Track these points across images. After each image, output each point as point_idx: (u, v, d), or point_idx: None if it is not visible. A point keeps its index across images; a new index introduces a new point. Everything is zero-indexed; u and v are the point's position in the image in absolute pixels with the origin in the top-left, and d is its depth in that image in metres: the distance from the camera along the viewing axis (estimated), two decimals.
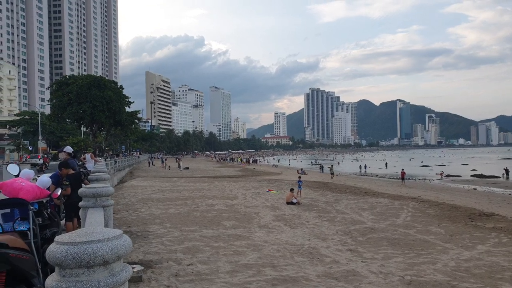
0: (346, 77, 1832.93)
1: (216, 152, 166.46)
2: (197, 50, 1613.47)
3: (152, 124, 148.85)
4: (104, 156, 55.13)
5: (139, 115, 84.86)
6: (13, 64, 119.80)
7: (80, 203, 5.32)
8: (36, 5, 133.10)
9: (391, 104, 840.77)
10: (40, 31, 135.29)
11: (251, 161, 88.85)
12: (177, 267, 7.80)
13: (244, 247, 9.63)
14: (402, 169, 40.92)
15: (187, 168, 54.39)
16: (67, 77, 67.18)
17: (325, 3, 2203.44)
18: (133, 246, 9.20)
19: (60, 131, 74.32)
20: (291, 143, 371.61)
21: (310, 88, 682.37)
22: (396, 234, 11.50)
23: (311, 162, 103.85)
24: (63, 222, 7.06)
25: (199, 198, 19.27)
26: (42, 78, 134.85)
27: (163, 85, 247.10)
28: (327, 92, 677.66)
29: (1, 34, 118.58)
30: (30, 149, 70.39)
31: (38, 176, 6.19)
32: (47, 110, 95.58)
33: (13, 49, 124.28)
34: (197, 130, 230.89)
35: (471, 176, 51.01)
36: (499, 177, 48.28)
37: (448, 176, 51.46)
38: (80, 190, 5.35)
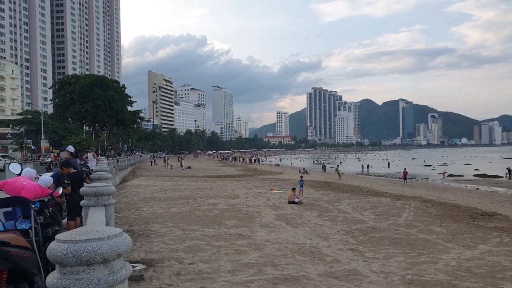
0: (348, 77, 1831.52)
1: (218, 152, 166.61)
2: (199, 50, 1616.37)
3: (155, 123, 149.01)
4: (106, 155, 55.27)
5: (141, 115, 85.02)
6: (16, 63, 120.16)
7: (82, 202, 5.34)
8: (39, 4, 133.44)
9: (394, 104, 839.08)
10: (42, 30, 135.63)
11: (253, 161, 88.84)
12: (179, 266, 7.82)
13: (246, 246, 9.65)
14: (404, 169, 40.86)
15: (189, 167, 54.48)
16: (70, 76, 67.27)
17: (327, 3, 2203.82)
18: (135, 245, 9.25)
19: (63, 130, 74.52)
20: (293, 142, 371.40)
21: (312, 88, 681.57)
22: (398, 234, 11.49)
23: (313, 161, 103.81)
24: (65, 221, 7.09)
25: (201, 197, 19.31)
26: (44, 78, 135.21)
27: (166, 85, 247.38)
28: (330, 92, 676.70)
29: (4, 33, 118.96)
30: (33, 148, 70.65)
31: (40, 175, 6.21)
32: (50, 110, 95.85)
33: (16, 48, 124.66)
34: (199, 130, 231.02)
35: (473, 175, 50.88)
36: (502, 176, 48.13)
37: (450, 175, 51.34)
38: (82, 189, 5.37)
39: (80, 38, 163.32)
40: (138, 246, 9.33)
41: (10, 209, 4.46)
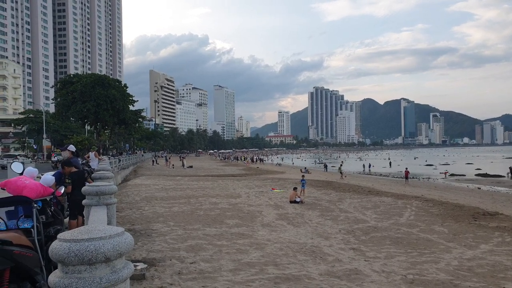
0: (350, 76, 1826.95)
1: (220, 151, 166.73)
2: (201, 49, 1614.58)
3: (156, 122, 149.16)
4: (108, 154, 55.38)
5: (143, 114, 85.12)
6: (18, 62, 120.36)
7: (84, 201, 5.36)
8: (41, 4, 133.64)
9: (396, 103, 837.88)
10: (44, 30, 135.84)
11: (255, 160, 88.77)
12: (180, 265, 7.83)
13: (247, 245, 9.66)
14: (406, 168, 40.78)
15: (191, 166, 54.52)
16: (72, 75, 67.47)
17: (329, 2, 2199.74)
18: (136, 244, 9.27)
19: (65, 129, 74.61)
20: (295, 142, 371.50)
21: (314, 87, 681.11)
22: (399, 233, 11.49)
23: (315, 161, 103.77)
24: (66, 220, 7.11)
25: (202, 197, 19.33)
26: (46, 77, 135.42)
27: (167, 84, 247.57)
28: (331, 91, 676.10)
29: (6, 33, 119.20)
30: (35, 147, 70.82)
31: (42, 174, 6.24)
32: (52, 109, 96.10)
33: (18, 48, 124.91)
34: (201, 129, 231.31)
35: (475, 175, 50.79)
36: (503, 176, 48.01)
37: (452, 175, 51.25)
38: (84, 188, 5.39)
39: (82, 37, 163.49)
40: (139, 245, 9.35)
41: (12, 208, 4.48)
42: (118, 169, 30.29)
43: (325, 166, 63.02)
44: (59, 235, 1.83)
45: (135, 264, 7.22)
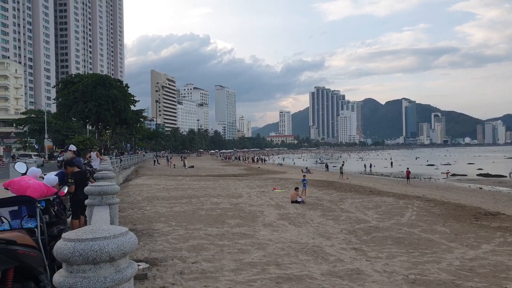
0: (351, 76, 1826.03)
1: (221, 151, 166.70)
2: (202, 49, 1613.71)
3: (157, 122, 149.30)
4: (110, 154, 55.42)
5: (144, 114, 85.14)
6: (20, 63, 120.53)
7: (86, 201, 5.38)
8: (42, 4, 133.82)
9: (397, 103, 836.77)
10: (46, 30, 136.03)
11: (256, 160, 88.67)
12: (182, 265, 7.85)
13: (249, 245, 9.67)
14: (407, 168, 40.74)
15: (192, 166, 54.54)
16: (73, 75, 67.52)
17: (330, 2, 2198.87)
18: (138, 244, 9.29)
19: (66, 129, 74.71)
20: (296, 141, 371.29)
21: (315, 87, 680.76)
22: (401, 233, 11.49)
23: (316, 161, 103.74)
24: (69, 220, 7.13)
25: (204, 197, 19.34)
26: (48, 77, 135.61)
27: (169, 84, 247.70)
28: (333, 91, 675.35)
29: (8, 33, 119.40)
30: (36, 147, 70.90)
31: (45, 174, 6.25)
32: (53, 109, 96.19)
33: (19, 48, 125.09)
34: (202, 129, 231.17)
35: (477, 175, 50.68)
36: (505, 176, 47.92)
37: (453, 175, 51.17)
38: (86, 188, 5.41)
39: (84, 37, 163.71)
40: (141, 245, 9.37)
41: (16, 208, 4.50)
42: (120, 169, 30.32)
43: (326, 166, 62.98)
44: (64, 235, 1.84)
45: (137, 264, 7.23)
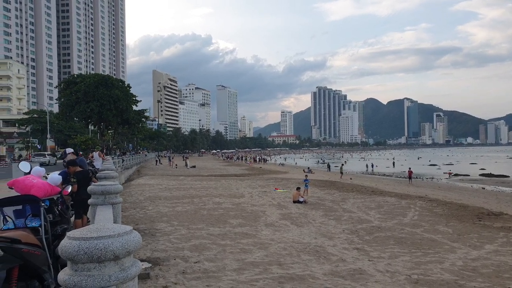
0: (353, 76, 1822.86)
1: (223, 151, 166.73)
2: (204, 49, 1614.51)
3: (159, 122, 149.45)
4: (112, 154, 55.50)
5: (146, 114, 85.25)
6: (22, 63, 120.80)
7: (89, 201, 5.39)
8: (45, 4, 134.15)
9: (399, 103, 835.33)
10: (48, 30, 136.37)
11: (258, 160, 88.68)
12: (184, 264, 7.86)
13: (251, 245, 9.67)
14: (410, 168, 40.69)
15: (194, 166, 54.58)
16: (75, 76, 67.56)
17: (332, 2, 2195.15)
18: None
19: (68, 129, 74.83)
20: (297, 141, 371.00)
21: (317, 87, 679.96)
22: (403, 233, 11.47)
23: (318, 161, 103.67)
24: (72, 219, 7.15)
25: (206, 196, 19.36)
26: (50, 77, 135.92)
27: (170, 84, 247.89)
28: (334, 91, 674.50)
29: (10, 33, 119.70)
30: (39, 147, 71.05)
31: (49, 174, 6.28)
32: (55, 109, 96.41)
33: (22, 48, 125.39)
34: (204, 129, 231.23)
35: (479, 175, 50.57)
36: (508, 176, 47.81)
37: (456, 175, 51.07)
38: (89, 188, 5.42)
39: (86, 37, 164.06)
40: (144, 244, 9.38)
41: (20, 207, 4.52)
42: (122, 169, 30.37)
43: (328, 166, 62.93)
44: (69, 233, 1.85)
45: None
